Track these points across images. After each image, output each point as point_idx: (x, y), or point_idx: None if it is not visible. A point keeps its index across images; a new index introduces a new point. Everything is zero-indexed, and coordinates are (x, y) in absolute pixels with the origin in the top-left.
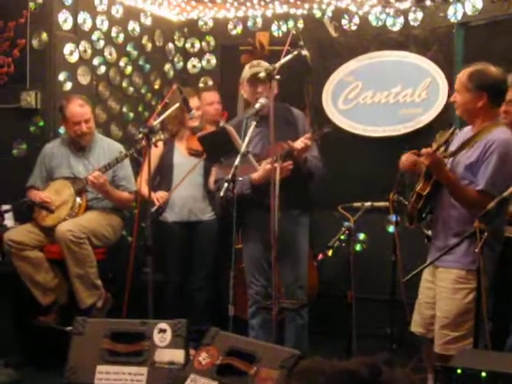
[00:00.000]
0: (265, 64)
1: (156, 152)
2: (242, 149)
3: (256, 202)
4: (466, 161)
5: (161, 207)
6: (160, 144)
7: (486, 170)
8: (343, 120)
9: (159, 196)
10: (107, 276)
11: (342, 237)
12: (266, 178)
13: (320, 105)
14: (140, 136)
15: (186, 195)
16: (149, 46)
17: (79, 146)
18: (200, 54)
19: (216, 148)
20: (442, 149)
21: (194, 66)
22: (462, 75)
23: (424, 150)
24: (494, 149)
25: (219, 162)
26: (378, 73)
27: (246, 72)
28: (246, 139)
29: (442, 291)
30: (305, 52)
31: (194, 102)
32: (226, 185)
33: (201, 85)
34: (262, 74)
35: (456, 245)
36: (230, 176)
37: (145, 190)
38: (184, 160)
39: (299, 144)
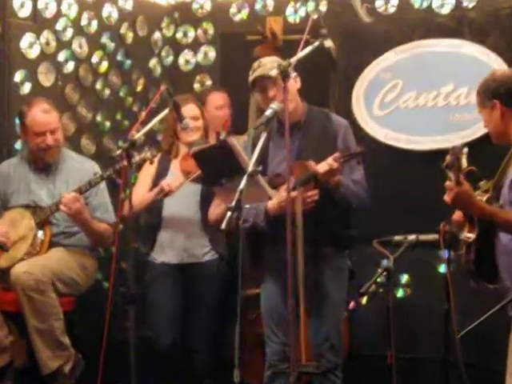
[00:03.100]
0: (269, 60)
1: (149, 171)
2: (249, 168)
3: (275, 237)
4: (507, 180)
5: (167, 195)
6: (154, 160)
7: None
8: (379, 129)
9: (170, 182)
10: (77, 332)
11: (379, 280)
12: (283, 209)
13: (349, 110)
14: (119, 152)
15: (178, 230)
16: (129, 37)
17: (42, 164)
18: (195, 46)
19: (215, 167)
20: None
21: (187, 62)
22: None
23: (446, 184)
24: None
25: (220, 184)
26: (423, 68)
27: (250, 77)
28: (255, 155)
29: None
30: (329, 43)
31: (191, 109)
32: (228, 214)
33: (196, 85)
34: (274, 72)
35: None
36: (233, 203)
37: (138, 200)
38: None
39: (323, 166)
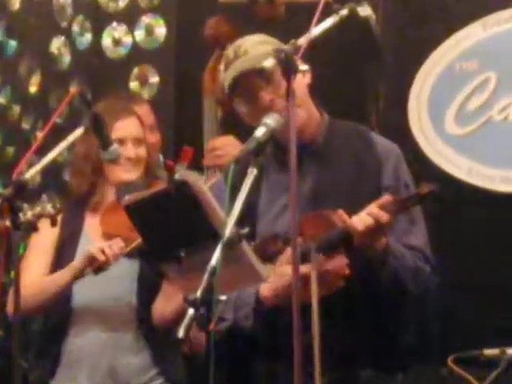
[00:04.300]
0: (254, 42)
1: (48, 236)
2: (227, 229)
3: (270, 347)
4: None
5: (102, 269)
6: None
7: None
8: (457, 159)
9: (108, 245)
10: None
11: None
12: (285, 295)
13: (402, 126)
14: None
15: (100, 339)
16: (15, 0)
17: None
18: (131, 16)
19: (166, 229)
20: None
21: (117, 43)
22: None
23: None
24: None
25: (175, 260)
26: None
27: (223, 76)
28: (237, 207)
29: None
30: (366, 10)
31: (132, 126)
32: (190, 312)
33: (133, 83)
34: (269, 63)
35: None
36: (199, 292)
37: (32, 287)
38: None
39: (363, 220)
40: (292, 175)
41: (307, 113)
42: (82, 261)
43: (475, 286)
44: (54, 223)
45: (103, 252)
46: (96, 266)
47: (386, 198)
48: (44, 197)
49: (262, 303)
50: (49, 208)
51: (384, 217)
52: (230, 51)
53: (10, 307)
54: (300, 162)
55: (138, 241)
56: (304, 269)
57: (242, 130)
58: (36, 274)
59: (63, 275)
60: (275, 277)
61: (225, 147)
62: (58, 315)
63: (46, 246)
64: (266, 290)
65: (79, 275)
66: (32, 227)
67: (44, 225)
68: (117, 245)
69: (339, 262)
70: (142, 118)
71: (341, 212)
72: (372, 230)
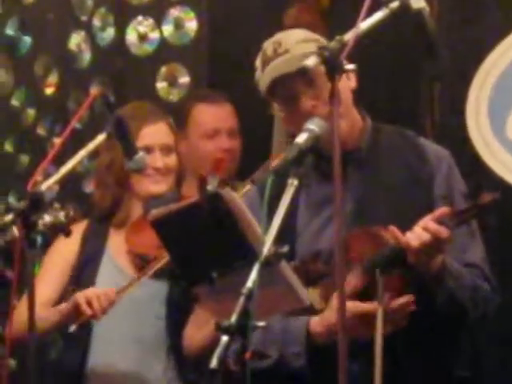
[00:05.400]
0: (295, 39)
1: (64, 251)
2: (265, 248)
3: None
4: None
5: (87, 321)
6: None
7: None
8: None
9: (94, 293)
10: None
11: None
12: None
13: (461, 130)
14: (8, 218)
15: (127, 367)
16: None
17: None
18: (158, 9)
19: (197, 248)
20: None
21: (142, 38)
22: None
23: None
24: None
25: (207, 282)
26: None
27: (260, 74)
28: (275, 223)
29: None
30: (418, 2)
31: (160, 133)
32: (223, 340)
33: (160, 84)
34: (312, 62)
35: None
36: (234, 317)
37: (40, 312)
38: (122, 279)
39: (419, 236)
40: (336, 184)
41: (349, 124)
42: (69, 307)
43: None
44: (68, 234)
45: (90, 304)
46: (81, 320)
47: (443, 210)
48: (55, 205)
49: (313, 339)
50: (61, 217)
51: (442, 232)
52: (268, 47)
53: (19, 331)
54: (344, 171)
55: (164, 260)
56: (368, 306)
57: None
58: (38, 301)
59: (51, 317)
60: (330, 311)
61: None
62: (78, 342)
63: (61, 265)
64: (318, 325)
65: (64, 323)
66: (44, 239)
67: (60, 241)
68: (106, 297)
69: (406, 300)
70: (224, 119)
71: (392, 228)
72: (429, 247)
